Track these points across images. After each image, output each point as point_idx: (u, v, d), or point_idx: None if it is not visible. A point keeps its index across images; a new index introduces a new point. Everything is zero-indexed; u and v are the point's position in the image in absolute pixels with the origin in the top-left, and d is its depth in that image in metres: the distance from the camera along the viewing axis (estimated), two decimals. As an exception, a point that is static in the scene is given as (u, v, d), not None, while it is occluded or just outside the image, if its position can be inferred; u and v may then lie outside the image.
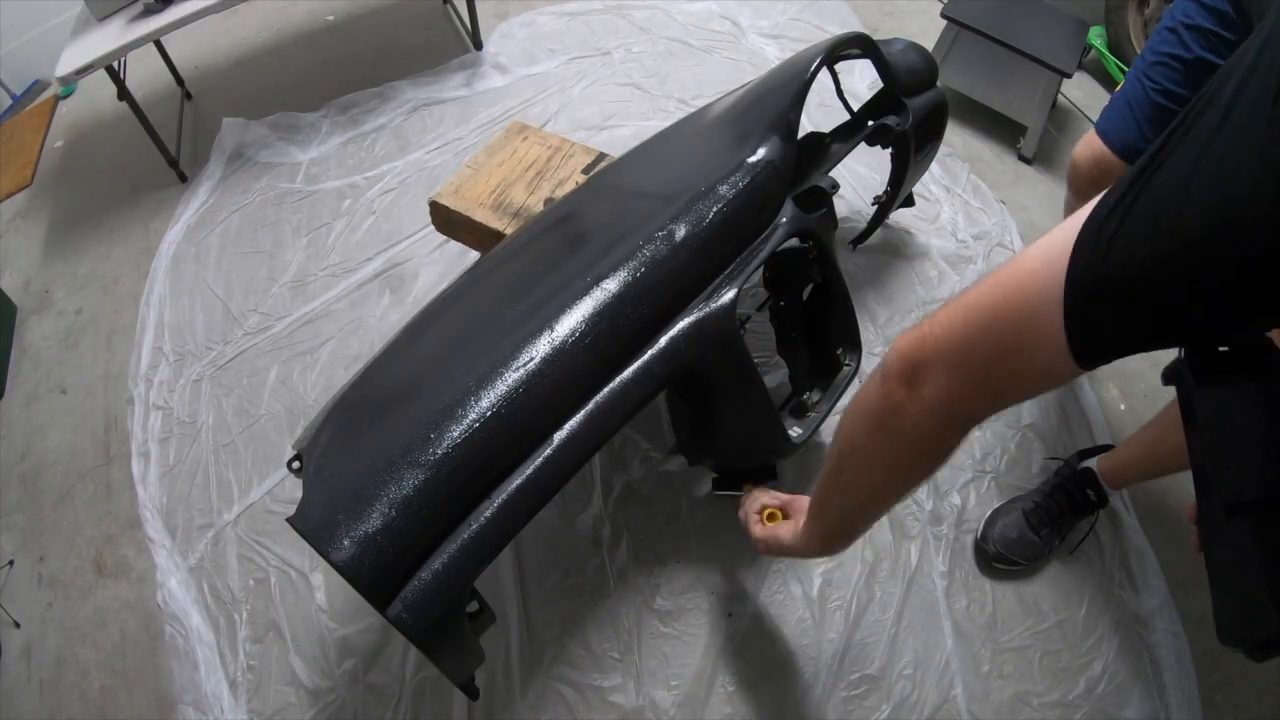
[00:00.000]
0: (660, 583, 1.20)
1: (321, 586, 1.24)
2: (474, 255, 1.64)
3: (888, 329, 1.49)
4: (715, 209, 1.00)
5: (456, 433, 0.83)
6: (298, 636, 1.20)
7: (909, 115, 1.28)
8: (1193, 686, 1.10)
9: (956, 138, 1.92)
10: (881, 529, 1.24)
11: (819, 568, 1.20)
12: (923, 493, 1.28)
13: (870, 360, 1.42)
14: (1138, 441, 1.12)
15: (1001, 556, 1.18)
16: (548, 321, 0.90)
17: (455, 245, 1.66)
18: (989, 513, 1.24)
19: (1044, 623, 1.16)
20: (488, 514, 0.82)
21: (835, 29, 2.23)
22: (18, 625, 1.28)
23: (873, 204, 1.46)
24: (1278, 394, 0.43)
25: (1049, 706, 1.09)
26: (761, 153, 1.05)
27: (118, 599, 1.30)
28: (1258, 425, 0.43)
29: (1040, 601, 1.18)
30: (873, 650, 1.13)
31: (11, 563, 1.37)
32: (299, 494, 1.35)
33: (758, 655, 1.13)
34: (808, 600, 1.17)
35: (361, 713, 1.12)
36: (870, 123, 1.28)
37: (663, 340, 0.94)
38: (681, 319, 0.96)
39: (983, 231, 1.68)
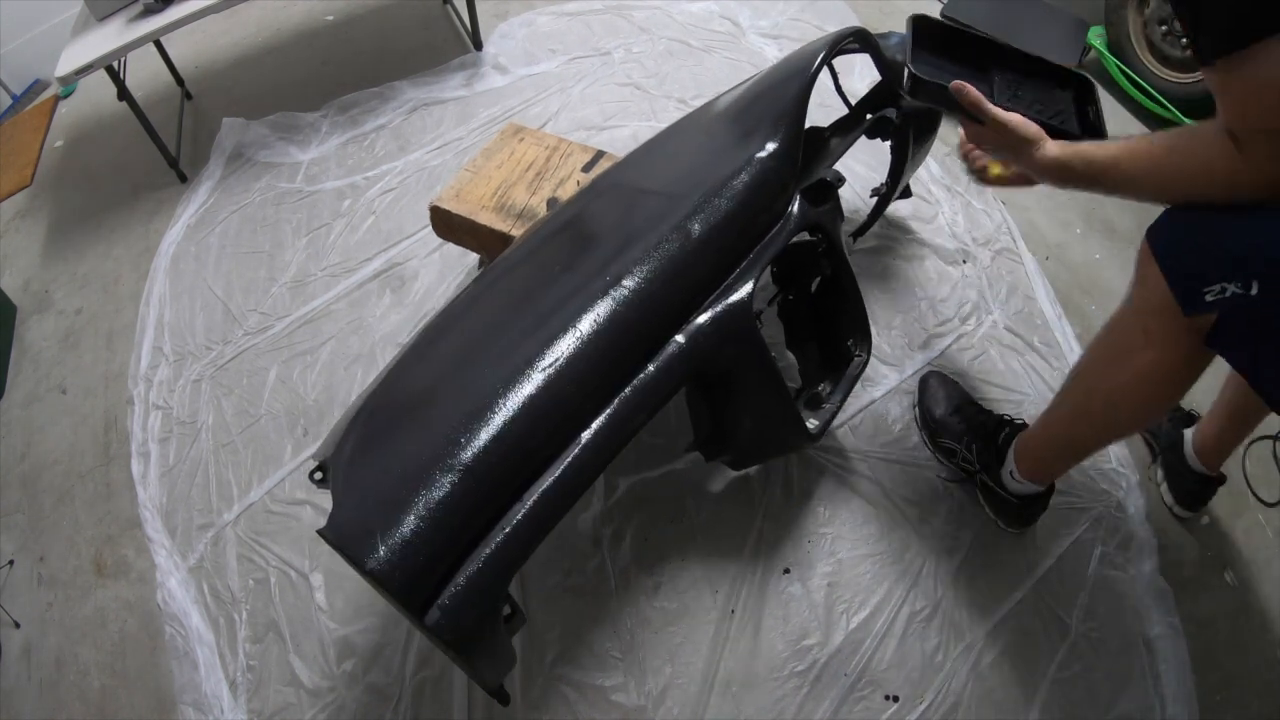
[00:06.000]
0: (663, 581, 1.20)
1: (321, 586, 1.24)
2: (474, 256, 1.64)
3: (889, 329, 1.50)
4: (728, 205, 1.00)
5: (485, 436, 0.82)
6: (298, 636, 1.20)
7: (906, 108, 1.29)
8: (1189, 681, 1.10)
9: (957, 138, 1.92)
10: (889, 532, 1.24)
11: (822, 568, 1.20)
12: (933, 497, 1.28)
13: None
14: (1221, 406, 1.13)
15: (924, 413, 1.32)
16: (569, 321, 0.90)
17: (455, 245, 1.66)
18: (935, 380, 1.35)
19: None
20: (520, 516, 0.81)
21: (835, 29, 2.22)
22: (18, 625, 1.28)
23: (871, 196, 1.48)
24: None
25: (1046, 707, 1.09)
26: (770, 147, 1.05)
27: (118, 599, 1.29)
28: None
29: (1040, 599, 1.18)
30: (877, 651, 1.12)
31: (11, 563, 1.37)
32: (301, 495, 1.37)
33: (761, 655, 1.13)
34: (811, 601, 1.17)
35: (361, 713, 1.12)
36: (869, 116, 1.29)
37: (681, 337, 0.95)
38: (699, 315, 0.96)
39: (984, 232, 1.68)
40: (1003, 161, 1.03)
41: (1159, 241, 0.78)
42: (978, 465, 1.20)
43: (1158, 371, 0.83)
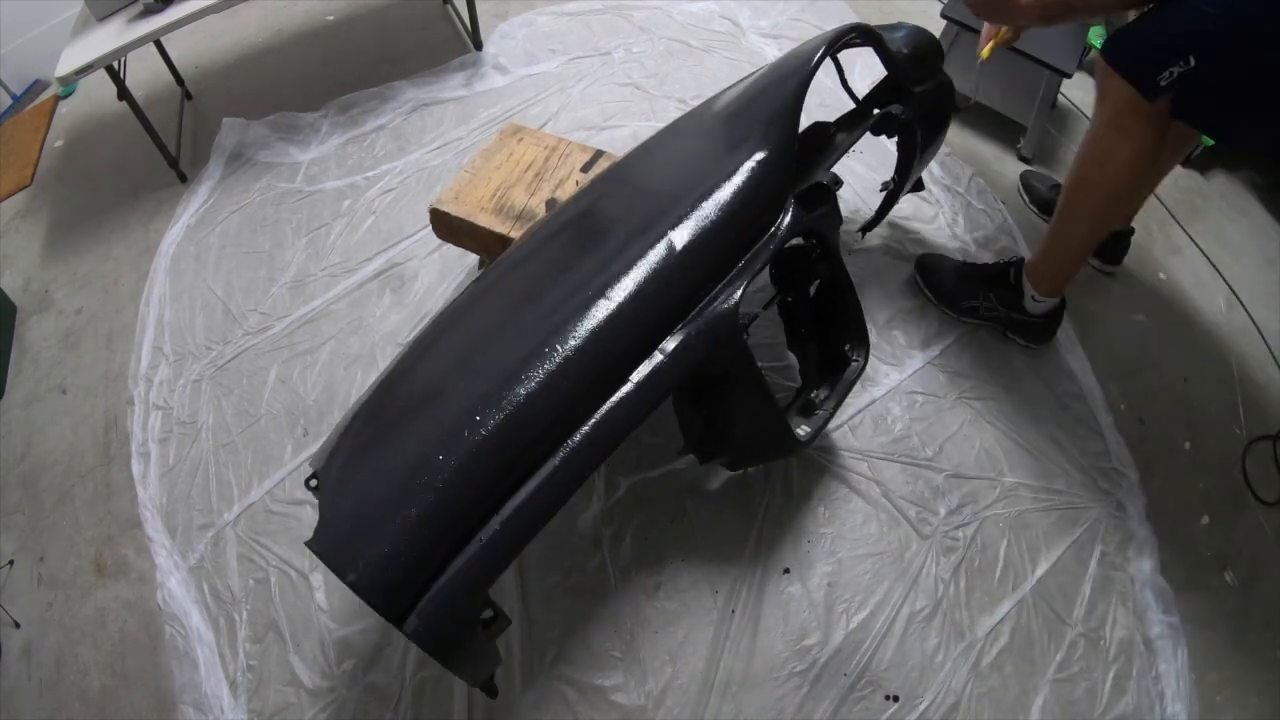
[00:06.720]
0: (663, 581, 1.20)
1: (321, 586, 1.24)
2: (474, 256, 1.64)
3: (889, 330, 1.49)
4: (717, 212, 1.00)
5: (465, 450, 0.84)
6: (298, 636, 1.20)
7: (915, 103, 1.28)
8: (1189, 681, 1.11)
9: (956, 138, 1.92)
10: (889, 532, 1.24)
11: (822, 568, 1.20)
12: (932, 497, 1.28)
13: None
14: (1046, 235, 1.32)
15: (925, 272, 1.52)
16: (554, 332, 0.91)
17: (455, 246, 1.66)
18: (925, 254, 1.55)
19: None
20: (496, 527, 0.84)
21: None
22: (18, 625, 1.28)
23: (880, 190, 1.47)
24: None
25: (1046, 707, 1.09)
26: (763, 152, 1.05)
27: (118, 599, 1.29)
28: None
29: (1040, 599, 1.18)
30: (877, 651, 1.12)
31: (11, 563, 1.37)
32: (300, 495, 1.37)
33: (761, 655, 1.13)
34: (811, 601, 1.17)
35: (361, 713, 1.12)
36: (876, 111, 1.28)
37: (669, 345, 0.95)
38: (688, 323, 0.96)
39: (984, 232, 1.68)
40: (994, 32, 1.30)
41: (1114, 54, 1.04)
42: (1001, 307, 1.40)
43: (1141, 155, 1.08)
